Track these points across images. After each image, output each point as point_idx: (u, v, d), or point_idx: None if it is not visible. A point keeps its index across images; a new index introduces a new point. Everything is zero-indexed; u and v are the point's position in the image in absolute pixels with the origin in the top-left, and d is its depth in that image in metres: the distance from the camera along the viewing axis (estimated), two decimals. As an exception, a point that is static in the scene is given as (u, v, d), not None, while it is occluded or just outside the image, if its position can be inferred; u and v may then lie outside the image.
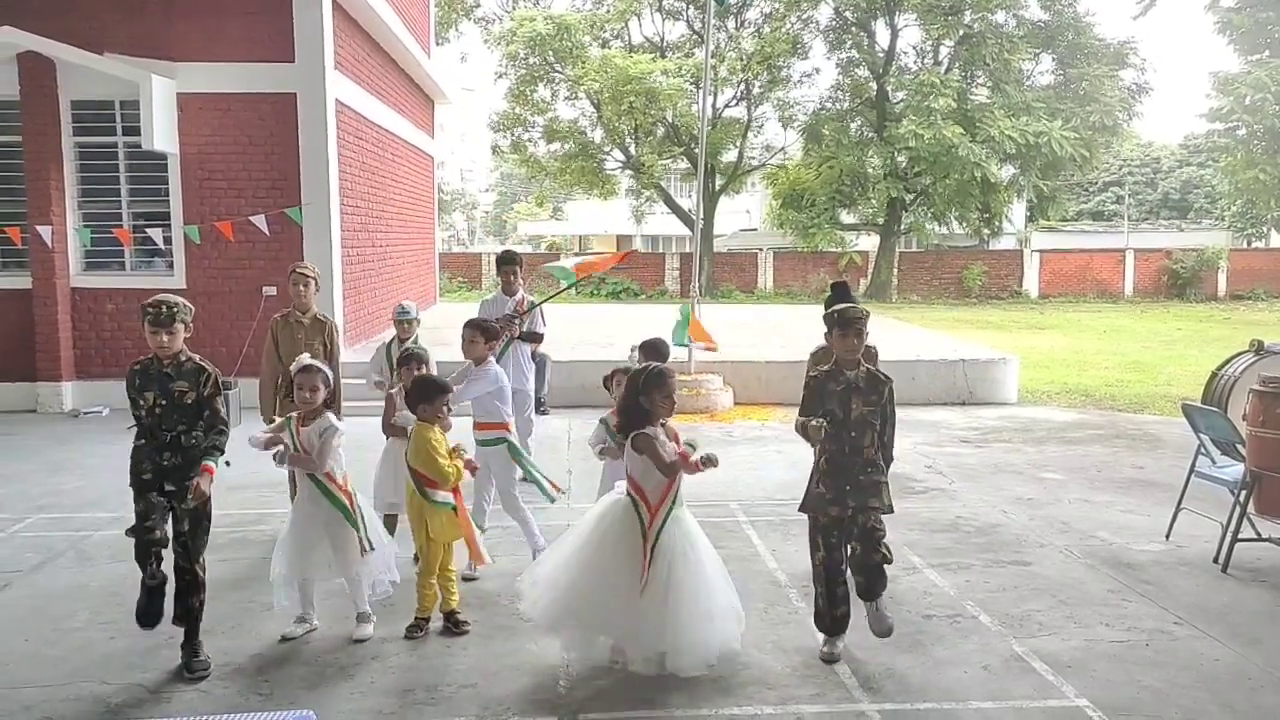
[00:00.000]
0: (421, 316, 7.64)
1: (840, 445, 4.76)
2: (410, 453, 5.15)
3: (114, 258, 11.81)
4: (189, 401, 4.56)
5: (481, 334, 6.08)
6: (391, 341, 7.04)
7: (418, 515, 5.14)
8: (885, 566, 4.84)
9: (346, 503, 5.04)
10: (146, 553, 4.58)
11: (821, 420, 4.67)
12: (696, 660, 4.50)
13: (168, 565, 4.65)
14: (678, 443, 4.72)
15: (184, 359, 4.60)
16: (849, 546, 4.85)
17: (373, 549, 5.08)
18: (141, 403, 4.55)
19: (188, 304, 4.68)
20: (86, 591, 5.67)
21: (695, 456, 4.51)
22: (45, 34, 10.97)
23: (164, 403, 4.54)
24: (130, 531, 4.62)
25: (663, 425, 4.69)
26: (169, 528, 4.61)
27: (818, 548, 4.86)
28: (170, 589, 4.68)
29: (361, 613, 5.11)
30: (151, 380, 4.55)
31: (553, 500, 6.16)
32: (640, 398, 4.61)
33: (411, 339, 6.90)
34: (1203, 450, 6.70)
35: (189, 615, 4.65)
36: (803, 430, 4.73)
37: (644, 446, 4.54)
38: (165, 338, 4.53)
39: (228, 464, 4.88)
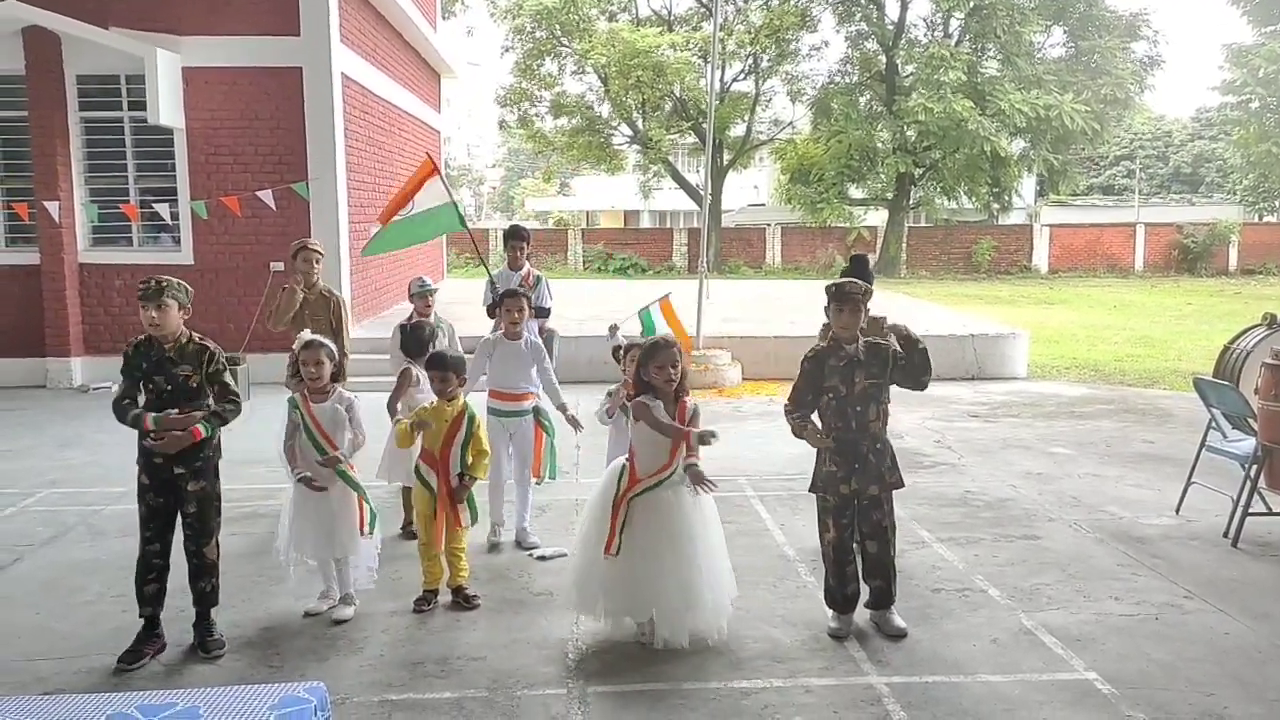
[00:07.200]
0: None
1: (846, 421, 4.71)
2: (431, 429, 5.12)
3: (121, 233, 11.82)
4: (194, 385, 4.47)
5: (528, 302, 6.16)
6: (410, 318, 6.70)
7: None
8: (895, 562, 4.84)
9: (357, 479, 5.03)
10: (148, 565, 4.52)
11: (820, 434, 4.70)
12: (707, 622, 4.62)
13: (177, 551, 4.61)
14: (683, 417, 4.70)
15: (185, 340, 4.48)
16: (862, 545, 4.82)
17: (372, 532, 5.05)
18: (150, 387, 4.44)
19: (184, 283, 4.53)
20: (98, 565, 5.70)
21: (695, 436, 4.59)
22: (50, 8, 10.93)
23: (170, 388, 4.43)
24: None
25: (679, 398, 4.68)
26: (170, 535, 4.56)
27: (828, 528, 4.82)
28: (167, 604, 4.64)
29: (345, 595, 5.04)
30: (155, 365, 4.42)
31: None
32: (640, 369, 4.71)
33: (431, 315, 6.79)
34: (1214, 424, 6.66)
35: (200, 598, 4.62)
36: (800, 434, 4.72)
37: (639, 413, 4.65)
38: (155, 313, 4.36)
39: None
